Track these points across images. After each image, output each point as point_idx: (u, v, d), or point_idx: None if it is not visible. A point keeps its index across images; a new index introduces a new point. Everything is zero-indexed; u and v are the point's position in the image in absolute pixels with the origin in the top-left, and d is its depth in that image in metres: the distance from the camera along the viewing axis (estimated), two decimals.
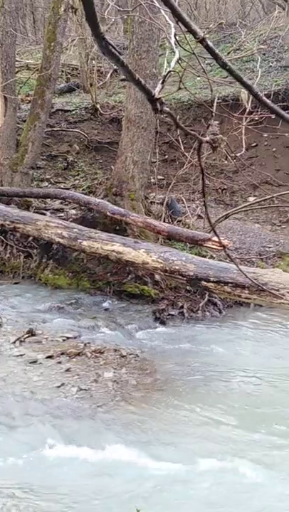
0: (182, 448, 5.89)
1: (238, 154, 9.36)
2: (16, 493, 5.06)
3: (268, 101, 1.96)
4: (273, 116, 2.25)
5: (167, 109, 2.09)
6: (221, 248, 7.93)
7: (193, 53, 2.42)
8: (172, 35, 2.53)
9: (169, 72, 2.17)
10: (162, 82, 2.07)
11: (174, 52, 2.38)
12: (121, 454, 5.73)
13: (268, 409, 6.77)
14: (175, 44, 2.55)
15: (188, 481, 5.39)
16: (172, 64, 2.21)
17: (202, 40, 1.80)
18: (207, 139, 2.39)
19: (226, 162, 13.46)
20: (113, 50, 1.83)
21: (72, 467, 5.53)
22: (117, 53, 1.86)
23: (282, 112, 2.03)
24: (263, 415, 6.62)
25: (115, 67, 16.65)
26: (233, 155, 9.44)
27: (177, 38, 2.64)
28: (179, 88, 2.31)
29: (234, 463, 5.62)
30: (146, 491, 5.25)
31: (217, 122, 2.58)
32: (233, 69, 1.87)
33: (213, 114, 2.44)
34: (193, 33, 1.79)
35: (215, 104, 3.06)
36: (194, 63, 10.25)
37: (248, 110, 9.04)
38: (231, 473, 5.49)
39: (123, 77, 16.46)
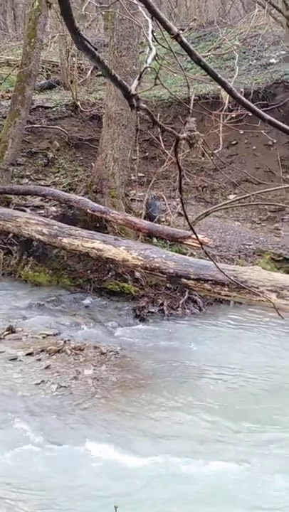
0: (162, 445, 5.90)
1: (215, 151, 9.38)
2: None
3: (243, 97, 1.97)
4: (251, 114, 2.26)
5: (144, 105, 2.09)
6: (202, 246, 7.95)
7: (170, 50, 2.43)
8: (150, 32, 2.54)
9: (146, 68, 2.17)
10: (138, 79, 2.08)
11: (151, 48, 2.38)
12: (100, 452, 5.73)
13: (247, 406, 6.80)
14: (152, 41, 2.56)
15: (167, 479, 5.40)
16: (148, 60, 2.22)
17: (176, 37, 1.81)
18: (184, 135, 2.40)
19: (206, 160, 13.48)
20: (89, 45, 1.83)
21: (50, 464, 5.52)
22: (93, 49, 1.86)
23: (256, 108, 2.04)
24: (243, 412, 6.65)
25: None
26: (211, 152, 9.46)
27: (156, 35, 2.65)
28: (155, 84, 2.32)
29: (214, 460, 5.64)
30: (125, 488, 5.26)
31: (194, 119, 2.59)
32: (208, 65, 1.88)
33: (190, 111, 2.45)
34: (168, 29, 1.80)
35: (192, 101, 3.07)
36: (174, 60, 10.30)
37: (225, 107, 9.08)
38: (212, 471, 5.51)
39: (98, 73, 16.48)
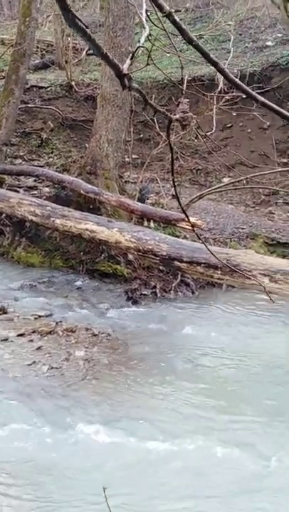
0: (153, 427, 5.92)
1: (208, 133, 9.34)
2: None
3: (235, 78, 1.95)
4: (245, 96, 2.25)
5: (135, 85, 2.07)
6: (195, 228, 7.95)
7: (164, 30, 2.41)
8: (143, 11, 2.51)
9: (138, 48, 2.15)
10: (131, 58, 2.06)
11: (145, 28, 2.35)
12: (91, 433, 5.75)
13: (237, 389, 6.83)
14: (146, 20, 2.53)
15: (158, 460, 5.43)
16: (142, 40, 2.19)
17: (168, 15, 1.78)
18: (177, 116, 2.38)
19: (200, 142, 13.44)
20: (79, 23, 1.81)
21: (41, 445, 5.54)
22: (84, 26, 1.84)
23: (249, 90, 2.02)
24: (233, 395, 6.68)
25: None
26: (204, 134, 9.42)
27: (151, 15, 2.62)
28: (148, 64, 2.29)
29: (205, 441, 5.67)
30: (115, 469, 5.29)
31: (187, 101, 2.57)
32: (200, 45, 1.86)
33: (183, 92, 2.43)
34: (160, 7, 1.77)
35: (185, 82, 3.04)
36: (169, 42, 10.22)
37: (220, 89, 9.03)
38: (202, 452, 5.54)
39: (88, 52, 16.35)
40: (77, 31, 1.86)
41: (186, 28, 1.77)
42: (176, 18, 1.76)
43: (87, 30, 1.82)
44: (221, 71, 1.90)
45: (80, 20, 1.81)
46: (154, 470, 5.30)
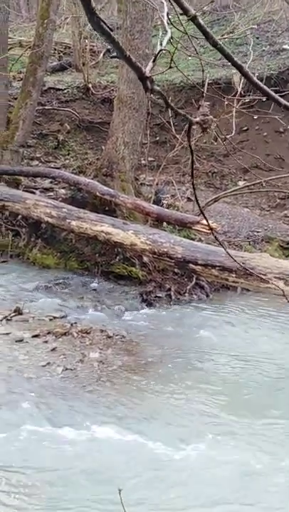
0: (166, 430, 5.91)
1: (228, 136, 9.31)
2: None
3: (259, 81, 1.94)
4: (264, 99, 2.24)
5: (158, 88, 2.07)
6: (210, 231, 7.92)
7: (186, 33, 2.40)
8: (165, 14, 2.51)
9: (161, 51, 2.15)
10: (153, 61, 2.05)
11: (166, 31, 2.35)
12: (105, 435, 5.75)
13: (251, 394, 6.80)
14: (168, 23, 2.52)
15: (172, 463, 5.41)
16: (164, 43, 2.19)
17: (193, 18, 1.78)
18: (197, 119, 2.37)
19: (216, 145, 13.42)
20: (104, 26, 1.80)
21: (55, 446, 5.53)
22: (108, 29, 1.84)
23: (272, 93, 2.01)
24: (247, 400, 6.65)
25: (108, 46, 16.54)
26: (224, 137, 9.40)
27: (170, 17, 2.61)
28: (170, 67, 2.28)
29: (219, 447, 5.65)
30: (130, 471, 5.27)
31: (208, 103, 2.56)
32: (224, 48, 1.86)
33: (204, 94, 2.42)
34: (185, 10, 1.77)
35: (206, 84, 3.04)
36: (187, 44, 10.21)
37: (239, 93, 9.00)
38: (215, 457, 5.52)
39: (111, 55, 16.38)
40: (102, 34, 1.86)
41: (210, 32, 1.76)
42: (201, 22, 1.76)
43: (112, 34, 1.82)
44: (245, 74, 1.89)
45: (104, 23, 1.81)
46: (167, 472, 5.28)
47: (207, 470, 5.33)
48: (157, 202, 10.60)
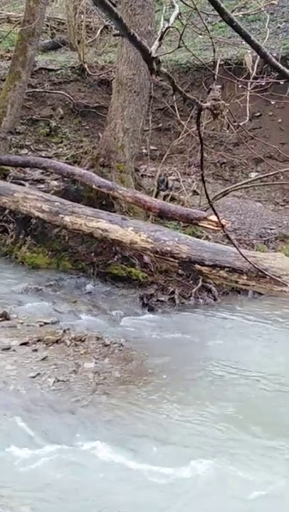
0: (166, 448, 5.90)
1: (241, 123, 9.28)
2: None
3: (278, 63, 1.93)
4: (282, 82, 2.22)
5: (164, 69, 2.05)
6: (219, 228, 7.91)
7: (195, 9, 2.38)
8: None
9: (168, 28, 2.13)
10: (160, 39, 2.03)
11: (174, 6, 2.33)
12: (100, 453, 5.73)
13: (263, 408, 6.79)
14: None
15: (170, 483, 5.41)
16: (171, 20, 2.17)
17: None
18: (208, 104, 2.36)
19: (226, 133, 13.40)
20: (106, 0, 1.78)
21: (46, 466, 5.52)
22: (111, 4, 1.81)
23: None
24: (254, 415, 6.63)
25: (106, 23, 16.52)
26: (236, 124, 9.37)
27: None
28: (179, 46, 2.27)
29: (222, 467, 5.63)
30: (127, 492, 5.27)
31: (219, 87, 2.55)
32: (241, 26, 1.84)
33: (216, 77, 2.41)
34: None
35: (217, 66, 3.02)
36: (194, 21, 10.20)
37: (252, 75, 8.96)
38: (216, 479, 5.51)
39: (114, 32, 16.35)
40: (104, 9, 1.84)
41: (225, 8, 1.74)
42: None
43: (115, 9, 1.80)
44: (264, 55, 1.87)
45: None
46: (167, 495, 5.28)
47: (210, 495, 5.32)
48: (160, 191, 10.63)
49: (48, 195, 10.34)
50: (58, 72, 15.95)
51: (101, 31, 17.80)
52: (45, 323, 8.34)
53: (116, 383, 7.02)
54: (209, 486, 5.39)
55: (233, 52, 14.56)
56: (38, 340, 7.77)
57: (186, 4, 2.56)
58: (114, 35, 16.84)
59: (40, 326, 8.27)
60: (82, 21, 16.73)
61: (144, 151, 12.18)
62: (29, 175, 12.08)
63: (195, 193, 12.02)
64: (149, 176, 12.19)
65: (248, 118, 8.56)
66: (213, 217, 8.17)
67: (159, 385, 7.12)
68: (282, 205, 13.08)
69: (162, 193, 11.19)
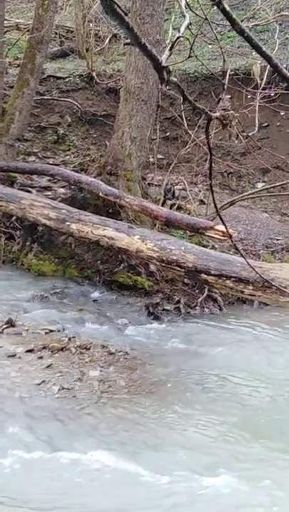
0: (171, 458, 5.89)
1: (250, 134, 9.29)
2: None
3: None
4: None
5: (174, 79, 2.06)
6: (226, 238, 7.91)
7: (206, 18, 2.40)
8: None
9: (178, 38, 2.14)
10: (170, 49, 2.05)
11: (185, 16, 2.34)
12: (105, 462, 5.72)
13: (264, 420, 6.76)
14: (185, 7, 2.52)
15: (176, 493, 5.40)
16: (182, 29, 2.18)
17: (218, 3, 1.77)
18: (217, 114, 2.37)
19: (235, 142, 13.41)
20: (118, 9, 1.80)
21: (51, 474, 5.52)
22: (122, 13, 1.83)
23: None
24: (258, 427, 6.61)
25: (115, 31, 16.57)
26: (245, 134, 9.37)
27: (188, 1, 2.61)
28: (190, 56, 2.28)
29: (226, 478, 5.61)
30: (131, 501, 5.26)
31: (229, 97, 2.56)
32: (252, 37, 1.85)
33: (225, 87, 2.42)
34: None
35: (227, 76, 3.03)
36: (203, 30, 10.23)
37: (257, 84, 8.97)
38: (222, 488, 5.49)
39: (125, 41, 16.39)
40: (115, 19, 1.85)
41: (236, 18, 1.75)
42: (227, 7, 1.75)
43: (126, 18, 1.81)
44: (275, 66, 1.88)
45: (118, 6, 1.80)
46: (171, 503, 5.27)
47: (214, 504, 5.31)
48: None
49: (55, 202, 10.34)
50: (66, 79, 15.98)
51: (110, 40, 17.83)
52: (51, 331, 8.34)
53: (121, 392, 7.02)
54: (213, 496, 5.38)
55: (242, 62, 14.58)
56: (44, 348, 7.77)
57: (197, 14, 2.57)
58: (125, 44, 16.88)
59: (46, 333, 8.27)
60: (90, 29, 16.77)
61: (151, 159, 12.19)
62: (36, 182, 12.08)
63: (202, 202, 12.03)
64: (155, 185, 12.20)
65: (256, 128, 8.55)
66: (220, 227, 8.17)
67: (164, 393, 7.11)
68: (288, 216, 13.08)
69: (169, 202, 11.20)
